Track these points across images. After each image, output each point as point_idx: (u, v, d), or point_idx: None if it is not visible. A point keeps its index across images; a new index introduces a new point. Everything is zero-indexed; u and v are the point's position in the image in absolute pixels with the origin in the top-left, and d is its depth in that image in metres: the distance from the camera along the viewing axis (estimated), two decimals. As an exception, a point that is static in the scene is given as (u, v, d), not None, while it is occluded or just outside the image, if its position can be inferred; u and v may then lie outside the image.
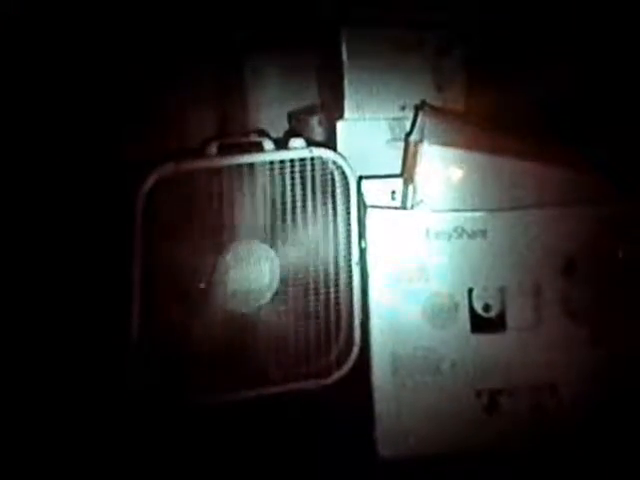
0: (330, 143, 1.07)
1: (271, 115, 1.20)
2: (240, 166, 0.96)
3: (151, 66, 1.16)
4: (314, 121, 1.15)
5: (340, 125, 1.07)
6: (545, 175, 0.94)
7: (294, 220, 0.98)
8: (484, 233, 0.90)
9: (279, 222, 0.98)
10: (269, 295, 0.98)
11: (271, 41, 1.19)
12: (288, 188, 0.97)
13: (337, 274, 0.99)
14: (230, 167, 0.95)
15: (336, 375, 0.99)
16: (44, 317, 1.03)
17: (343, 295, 0.98)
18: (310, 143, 0.98)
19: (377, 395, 0.91)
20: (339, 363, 0.99)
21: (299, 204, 0.97)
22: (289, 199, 0.97)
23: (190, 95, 1.20)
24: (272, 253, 0.98)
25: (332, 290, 0.99)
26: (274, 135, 1.04)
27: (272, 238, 0.98)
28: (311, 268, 0.98)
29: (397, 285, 0.90)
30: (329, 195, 0.98)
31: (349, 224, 0.98)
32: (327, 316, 0.99)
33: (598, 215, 0.92)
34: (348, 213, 0.98)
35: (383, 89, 1.07)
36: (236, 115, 1.21)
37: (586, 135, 1.01)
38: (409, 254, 0.90)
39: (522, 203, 0.92)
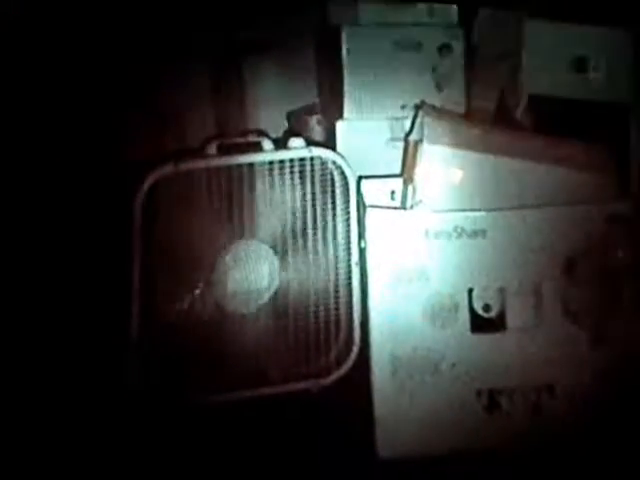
0: (329, 143, 1.07)
1: (270, 115, 1.20)
2: (239, 166, 0.96)
3: (150, 66, 1.15)
4: (313, 121, 1.15)
5: (339, 125, 1.07)
6: (545, 175, 0.94)
7: (293, 220, 0.98)
8: (484, 233, 0.90)
9: (279, 222, 0.97)
10: (268, 295, 0.98)
11: (270, 41, 1.19)
12: (287, 188, 0.97)
13: (337, 274, 0.98)
14: (229, 167, 0.95)
15: (335, 375, 0.99)
16: (44, 317, 1.03)
17: (343, 295, 0.98)
18: (309, 143, 0.98)
19: (377, 395, 0.91)
20: (339, 363, 0.99)
21: (298, 204, 0.97)
22: (288, 199, 0.97)
23: (189, 95, 1.20)
24: (271, 253, 0.98)
25: (332, 290, 0.98)
26: (273, 135, 1.04)
27: (271, 238, 0.98)
28: (311, 268, 0.98)
29: (397, 285, 0.90)
30: (328, 195, 0.98)
31: (349, 224, 0.98)
32: (326, 316, 0.98)
33: (598, 215, 0.91)
34: (347, 213, 0.98)
35: (383, 89, 1.07)
36: (235, 115, 1.21)
37: (586, 135, 1.01)
38: (409, 254, 0.90)
39: (522, 203, 0.92)
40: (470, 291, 0.91)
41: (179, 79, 1.18)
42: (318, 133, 1.14)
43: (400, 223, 0.91)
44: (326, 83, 1.17)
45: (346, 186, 0.97)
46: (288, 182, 0.97)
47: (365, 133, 1.07)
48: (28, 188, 1.08)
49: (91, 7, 1.10)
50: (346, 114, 1.07)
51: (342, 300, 0.98)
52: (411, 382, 0.90)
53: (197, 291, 0.97)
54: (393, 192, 0.98)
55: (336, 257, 0.98)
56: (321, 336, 0.98)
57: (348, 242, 0.98)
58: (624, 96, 1.09)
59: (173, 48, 1.16)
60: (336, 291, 0.98)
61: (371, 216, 0.91)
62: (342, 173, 0.97)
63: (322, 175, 0.97)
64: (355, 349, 0.98)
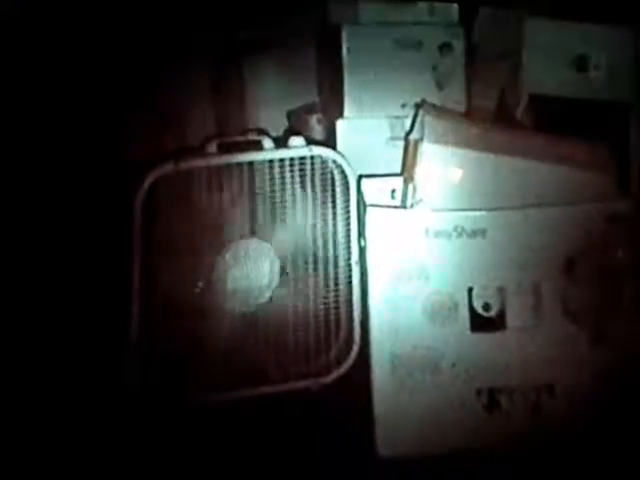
0: (330, 142, 1.07)
1: (271, 114, 1.20)
2: (240, 165, 0.96)
3: (151, 66, 1.15)
4: (314, 120, 1.15)
5: (340, 124, 1.07)
6: (545, 174, 0.94)
7: (294, 219, 0.98)
8: (484, 232, 0.90)
9: (279, 221, 0.97)
10: (268, 294, 0.98)
11: (270, 40, 1.19)
12: (288, 186, 0.97)
13: (337, 273, 0.98)
14: (230, 166, 0.95)
15: (336, 374, 0.99)
16: (43, 317, 1.03)
17: (343, 294, 0.98)
18: (310, 142, 0.98)
19: (376, 394, 0.91)
20: (339, 362, 0.99)
21: (299, 203, 0.97)
22: (289, 197, 0.97)
23: (190, 94, 1.20)
24: (272, 252, 0.98)
25: (332, 289, 0.98)
26: (274, 134, 1.04)
27: (272, 237, 0.98)
28: (311, 267, 0.98)
29: (397, 284, 0.90)
30: (329, 194, 0.98)
31: (349, 223, 0.98)
32: (327, 315, 0.98)
33: (598, 214, 0.91)
34: (348, 212, 0.98)
35: (383, 88, 1.07)
36: (235, 114, 1.21)
37: (587, 134, 1.01)
38: (409, 253, 0.90)
39: (522, 202, 0.92)
40: (470, 290, 0.91)
41: (179, 78, 1.18)
42: (318, 132, 1.14)
43: (400, 222, 0.91)
44: (326, 82, 1.17)
45: (346, 185, 0.97)
46: (288, 181, 0.97)
47: (365, 132, 1.07)
48: (28, 188, 1.08)
49: (91, 7, 1.10)
50: (346, 113, 1.07)
51: (342, 299, 0.98)
52: (411, 381, 0.90)
53: (197, 290, 0.97)
54: (393, 191, 0.98)
55: (336, 256, 0.98)
56: (321, 335, 0.98)
57: (348, 241, 0.98)
58: (625, 95, 1.09)
59: (173, 47, 1.16)
60: (336, 290, 0.98)
61: (371, 215, 0.91)
62: (342, 172, 0.97)
63: (322, 174, 0.97)
64: (355, 348, 0.98)
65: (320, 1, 1.12)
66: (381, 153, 1.06)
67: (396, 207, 0.97)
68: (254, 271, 0.98)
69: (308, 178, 0.97)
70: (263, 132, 1.01)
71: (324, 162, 0.97)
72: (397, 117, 1.07)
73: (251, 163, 0.96)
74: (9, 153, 1.06)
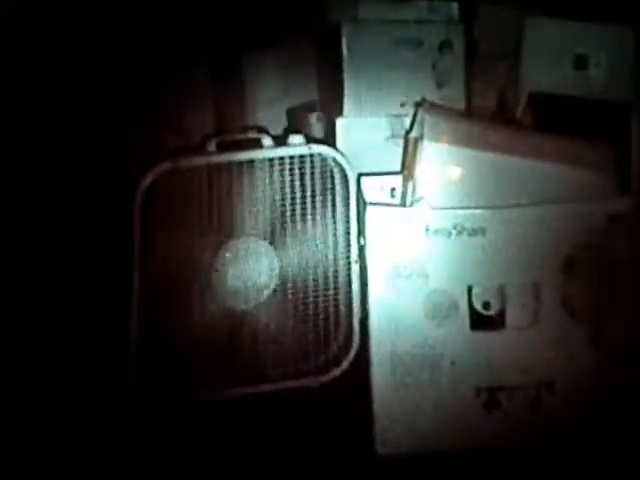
0: (329, 140, 1.06)
1: (270, 112, 1.20)
2: (239, 163, 0.96)
3: (150, 64, 1.15)
4: (313, 118, 1.15)
5: (339, 122, 1.07)
6: (545, 173, 0.94)
7: (293, 217, 0.98)
8: (484, 231, 0.90)
9: (278, 219, 0.97)
10: (268, 292, 0.98)
11: (270, 38, 1.19)
12: (287, 185, 0.97)
13: (336, 271, 0.98)
14: (229, 164, 0.95)
15: (335, 372, 0.99)
16: (42, 315, 1.03)
17: (342, 292, 0.98)
18: (309, 140, 0.98)
19: (376, 392, 0.91)
20: (338, 360, 0.99)
21: (298, 201, 0.97)
22: (288, 196, 0.97)
23: (189, 93, 1.20)
24: (271, 250, 0.98)
25: (331, 287, 0.98)
26: (273, 132, 1.04)
27: (271, 235, 0.98)
28: (310, 265, 0.98)
29: (396, 282, 0.90)
30: (328, 192, 0.98)
31: (348, 221, 0.98)
32: (326, 313, 0.98)
33: (598, 213, 0.91)
34: (347, 210, 0.98)
35: (382, 86, 1.07)
36: (235, 112, 1.21)
37: (587, 132, 1.01)
38: (408, 251, 0.90)
39: (522, 201, 0.92)
40: (470, 289, 0.91)
41: (179, 77, 1.18)
42: (318, 130, 1.14)
43: (400, 220, 0.91)
44: (326, 80, 1.17)
45: (346, 183, 0.97)
46: (288, 179, 0.97)
47: (365, 130, 1.07)
48: (28, 186, 1.08)
49: (91, 7, 1.09)
50: (346, 111, 1.07)
51: (342, 297, 0.98)
52: (410, 379, 0.90)
53: (197, 288, 0.97)
54: (393, 189, 0.98)
55: (336, 254, 0.98)
56: (321, 333, 0.98)
57: (348, 239, 0.98)
58: (625, 94, 1.09)
59: (173, 46, 1.16)
60: (336, 288, 0.98)
61: (371, 213, 0.91)
62: (342, 170, 0.97)
63: (322, 172, 0.97)
64: (354, 346, 0.98)
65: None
66: (381, 151, 1.06)
67: (396, 205, 0.97)
68: (253, 270, 0.98)
69: (308, 176, 0.97)
70: (263, 130, 1.01)
71: (324, 160, 0.97)
72: (397, 115, 1.07)
73: (251, 161, 0.96)
74: (9, 153, 1.06)
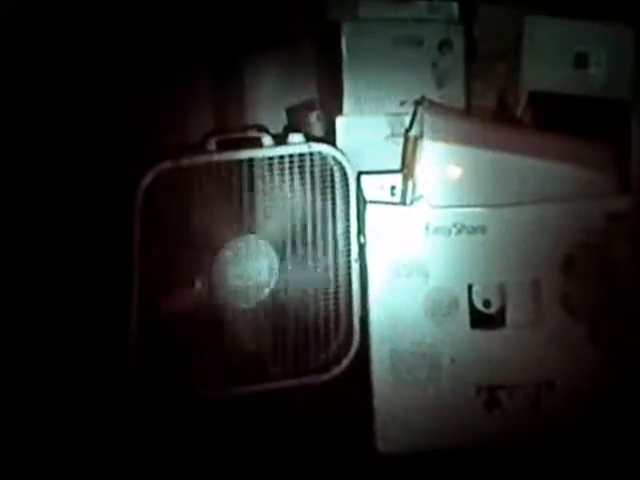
0: (329, 139, 1.06)
1: (270, 111, 1.20)
2: (239, 162, 0.96)
3: (150, 64, 1.15)
4: (313, 117, 1.15)
5: (339, 121, 1.07)
6: (545, 171, 0.94)
7: (293, 216, 0.98)
8: (484, 229, 0.90)
9: (278, 218, 0.97)
10: (268, 291, 0.98)
11: (270, 37, 1.19)
12: (287, 183, 0.97)
13: (336, 270, 0.98)
14: (229, 163, 0.95)
15: (335, 371, 0.99)
16: (42, 314, 1.03)
17: (342, 290, 0.98)
18: (309, 138, 0.98)
19: (376, 390, 0.91)
20: (338, 359, 0.99)
21: (298, 199, 0.97)
22: (288, 194, 0.97)
23: (189, 91, 1.20)
24: (271, 249, 0.98)
25: (331, 286, 0.98)
26: (273, 131, 1.04)
27: (271, 234, 0.98)
28: (310, 264, 0.98)
29: (396, 281, 0.90)
30: (328, 190, 0.98)
31: (348, 219, 0.98)
32: (326, 312, 0.98)
33: (598, 212, 0.91)
34: (347, 208, 0.98)
35: (382, 84, 1.07)
36: (235, 111, 1.21)
37: (587, 131, 1.01)
38: (408, 250, 0.90)
39: (522, 199, 0.92)
40: (470, 287, 0.91)
41: (179, 77, 1.18)
42: (318, 129, 1.14)
43: (400, 219, 0.91)
44: (326, 79, 1.17)
45: (346, 182, 0.97)
46: (288, 178, 0.97)
47: (365, 129, 1.07)
48: (28, 184, 1.08)
49: (91, 7, 1.10)
50: (346, 110, 1.07)
51: (342, 295, 0.98)
52: (410, 377, 0.90)
53: (196, 287, 0.97)
54: (393, 188, 0.98)
55: (336, 252, 0.98)
56: (321, 332, 0.98)
57: (348, 237, 0.98)
58: (625, 92, 1.09)
59: (172, 45, 1.16)
60: (335, 286, 0.98)
61: (371, 212, 0.91)
62: (342, 169, 0.97)
63: (322, 171, 0.97)
64: (355, 344, 0.98)
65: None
66: (380, 150, 1.06)
67: (396, 204, 0.97)
68: (253, 268, 0.98)
69: (307, 175, 0.97)
70: (262, 129, 1.01)
71: (323, 159, 0.97)
72: (396, 114, 1.07)
73: (250, 160, 0.96)
74: (10, 152, 1.06)
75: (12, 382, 0.96)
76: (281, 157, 0.96)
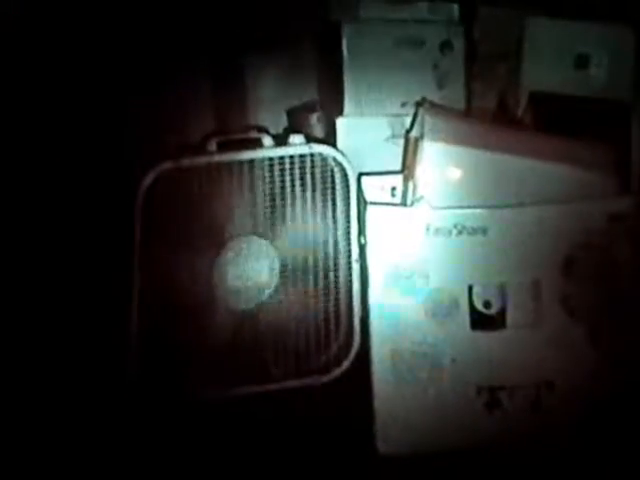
0: (330, 140, 1.06)
1: (270, 112, 1.20)
2: (240, 162, 0.96)
3: (151, 64, 1.16)
4: (314, 118, 1.15)
5: (340, 122, 1.07)
6: (546, 172, 0.94)
7: (294, 217, 0.98)
8: (484, 230, 0.90)
9: (279, 218, 0.97)
10: (268, 292, 0.98)
11: (271, 38, 1.19)
12: (288, 184, 0.97)
13: (337, 271, 0.98)
14: (230, 163, 0.95)
15: (336, 372, 0.99)
16: (43, 313, 1.03)
17: (343, 291, 0.98)
18: (310, 139, 0.98)
19: (376, 391, 0.90)
20: (339, 360, 0.99)
21: (299, 200, 0.97)
22: (289, 195, 0.97)
23: (190, 92, 1.20)
24: (271, 249, 0.98)
25: (332, 287, 0.98)
26: (274, 132, 1.04)
27: (272, 234, 0.98)
28: (310, 265, 0.98)
29: (397, 281, 0.90)
30: (329, 192, 0.98)
31: (349, 221, 0.98)
32: (327, 313, 0.99)
33: (599, 213, 0.91)
34: (348, 210, 0.98)
35: (383, 86, 1.07)
36: (236, 112, 1.21)
37: (587, 132, 1.01)
38: (409, 251, 0.90)
39: (522, 200, 0.92)
40: (470, 288, 0.91)
41: (180, 76, 1.18)
42: (318, 130, 1.14)
43: (400, 220, 0.91)
44: (326, 80, 1.17)
45: (346, 183, 0.97)
46: (288, 179, 0.97)
47: (365, 130, 1.07)
48: (28, 185, 1.08)
49: (91, 7, 1.10)
50: (346, 111, 1.07)
51: (342, 296, 0.98)
52: (411, 379, 0.90)
53: (197, 288, 0.97)
54: (394, 189, 0.98)
55: (336, 253, 0.98)
56: (321, 332, 0.98)
57: (348, 238, 0.98)
58: (626, 93, 1.09)
59: (173, 46, 1.16)
60: (336, 287, 0.98)
61: (371, 213, 0.91)
62: (342, 170, 0.97)
63: (322, 172, 0.97)
64: (355, 345, 0.98)
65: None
66: (381, 151, 1.06)
67: (396, 205, 0.97)
68: (254, 269, 0.98)
69: (308, 176, 0.97)
70: (263, 130, 1.01)
71: (324, 160, 0.97)
72: (397, 115, 1.07)
73: (251, 161, 0.96)
74: (10, 152, 1.06)
75: (13, 382, 0.96)
76: (282, 158, 0.96)
